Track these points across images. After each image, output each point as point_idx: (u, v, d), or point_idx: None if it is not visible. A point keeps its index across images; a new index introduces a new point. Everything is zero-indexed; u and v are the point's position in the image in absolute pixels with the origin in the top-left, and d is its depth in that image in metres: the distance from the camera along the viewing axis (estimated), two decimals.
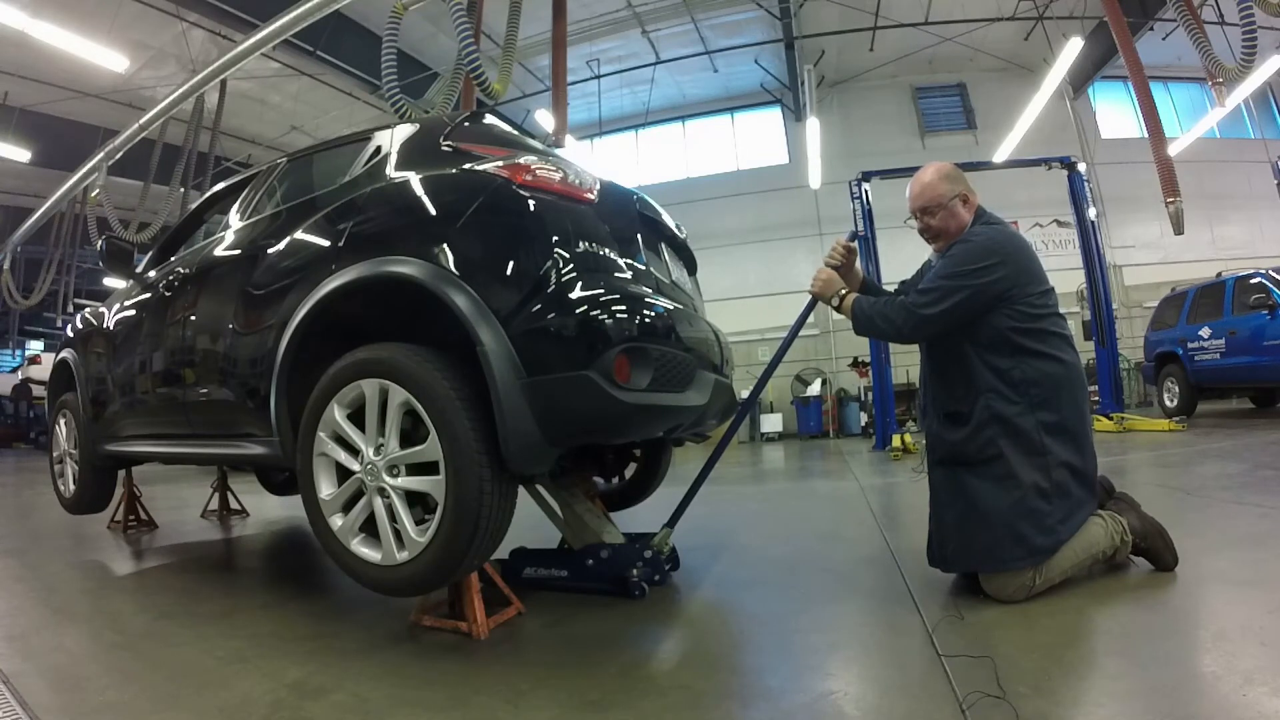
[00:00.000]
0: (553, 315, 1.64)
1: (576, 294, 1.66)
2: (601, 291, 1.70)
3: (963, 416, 1.95)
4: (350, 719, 1.35)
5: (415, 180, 1.98)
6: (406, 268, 1.78)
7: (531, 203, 1.76)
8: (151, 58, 10.26)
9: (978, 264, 1.89)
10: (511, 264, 1.71)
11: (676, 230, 2.53)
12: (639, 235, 2.08)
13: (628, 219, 2.08)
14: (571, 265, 1.70)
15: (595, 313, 1.65)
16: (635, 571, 2.13)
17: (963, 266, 1.91)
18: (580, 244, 1.76)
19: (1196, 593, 1.86)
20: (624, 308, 1.70)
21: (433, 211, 1.89)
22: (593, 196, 1.89)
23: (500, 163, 1.85)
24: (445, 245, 1.78)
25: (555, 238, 1.72)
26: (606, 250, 1.83)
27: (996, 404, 1.89)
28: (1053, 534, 1.83)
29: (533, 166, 1.82)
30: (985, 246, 1.92)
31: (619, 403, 1.62)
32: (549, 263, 1.68)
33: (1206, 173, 11.54)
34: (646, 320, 1.74)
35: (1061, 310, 2.01)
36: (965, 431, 1.93)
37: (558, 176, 1.83)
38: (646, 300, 1.81)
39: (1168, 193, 4.97)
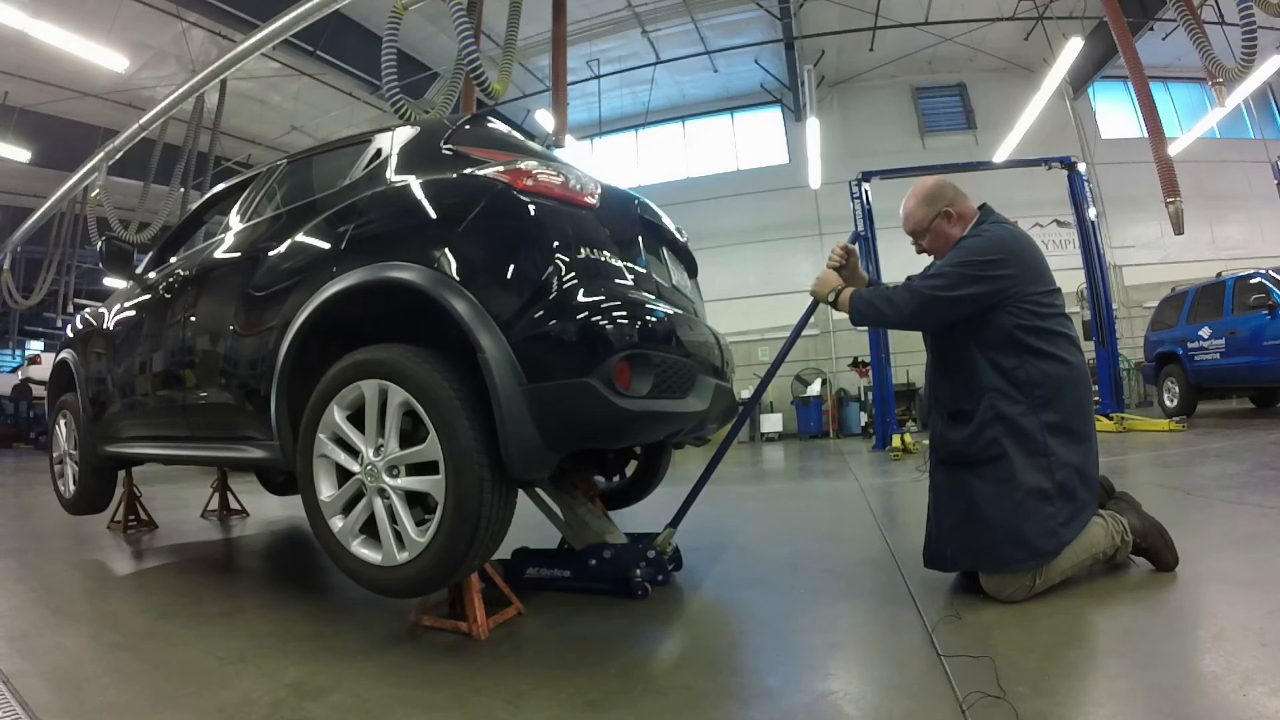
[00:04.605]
0: (553, 322, 1.64)
1: (577, 300, 1.66)
2: (602, 298, 1.69)
3: (966, 415, 1.95)
4: (350, 719, 1.35)
5: (416, 184, 1.98)
6: (406, 273, 1.78)
7: (532, 208, 1.76)
8: (151, 58, 10.26)
9: (987, 257, 1.90)
10: (512, 270, 1.71)
11: (677, 234, 2.53)
12: (640, 239, 2.08)
13: (628, 223, 2.08)
14: (572, 271, 1.69)
15: (596, 319, 1.65)
16: (638, 572, 2.13)
17: (973, 257, 1.91)
18: (581, 249, 1.75)
19: (1196, 593, 1.86)
20: (625, 314, 1.70)
21: (433, 216, 1.89)
22: (594, 201, 1.89)
23: (501, 167, 1.85)
24: (446, 250, 1.78)
25: (556, 243, 1.72)
26: (607, 255, 1.83)
27: (1000, 404, 1.88)
28: (1055, 536, 1.83)
29: (534, 171, 1.82)
30: (994, 243, 1.93)
31: (620, 410, 1.62)
32: (550, 269, 1.68)
33: (1206, 173, 11.55)
34: (647, 326, 1.74)
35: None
36: (968, 431, 1.93)
37: (559, 181, 1.83)
38: (647, 306, 1.80)
39: (1168, 193, 4.96)
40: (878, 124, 13.31)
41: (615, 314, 1.68)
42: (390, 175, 2.08)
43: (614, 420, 1.64)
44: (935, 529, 2.03)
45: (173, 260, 2.99)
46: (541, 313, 1.65)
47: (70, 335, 3.64)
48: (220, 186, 3.13)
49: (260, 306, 2.18)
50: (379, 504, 1.75)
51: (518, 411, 1.62)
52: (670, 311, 1.91)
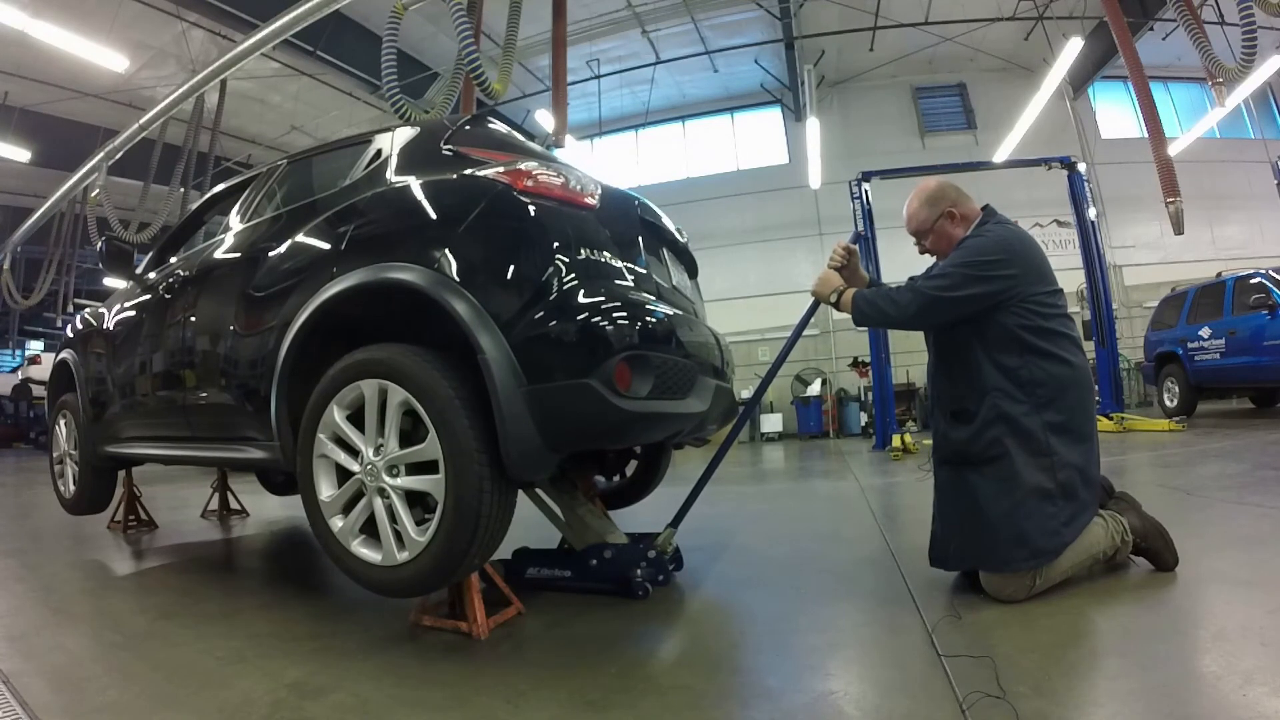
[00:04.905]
0: (554, 323, 1.64)
1: (577, 301, 1.66)
2: (602, 299, 1.70)
3: (968, 414, 1.95)
4: (350, 719, 1.35)
5: (416, 185, 1.98)
6: (407, 274, 1.78)
7: (532, 209, 1.76)
8: (151, 58, 10.25)
9: (990, 257, 1.91)
10: (512, 271, 1.71)
11: (677, 234, 2.53)
12: (640, 240, 2.08)
13: (629, 224, 2.08)
14: (572, 272, 1.70)
15: (596, 320, 1.65)
16: (639, 572, 2.13)
17: (976, 257, 1.92)
18: (581, 250, 1.75)
19: (1196, 593, 1.86)
20: (625, 315, 1.70)
21: (433, 217, 1.89)
22: (594, 202, 1.89)
23: (501, 168, 1.85)
24: (446, 251, 1.78)
25: (556, 244, 1.72)
26: (607, 256, 1.83)
27: (1003, 403, 1.89)
28: (1057, 536, 1.83)
29: (534, 172, 1.82)
30: (997, 243, 1.94)
31: (620, 411, 1.62)
32: (550, 270, 1.68)
33: (1206, 173, 11.55)
34: (647, 327, 1.74)
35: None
36: (970, 430, 1.93)
37: (559, 182, 1.83)
38: (647, 307, 1.80)
39: (1168, 193, 4.95)
40: (878, 124, 13.31)
41: (615, 315, 1.68)
42: (390, 176, 2.08)
43: (614, 421, 1.64)
44: (940, 528, 2.03)
45: (173, 260, 2.99)
46: (541, 314, 1.65)
47: (70, 335, 3.64)
48: (220, 187, 3.13)
49: (260, 307, 2.18)
50: (379, 504, 1.75)
51: (518, 412, 1.62)
52: (670, 312, 1.91)
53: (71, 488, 3.56)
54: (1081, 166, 8.22)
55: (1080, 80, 12.25)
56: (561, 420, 1.63)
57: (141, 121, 8.44)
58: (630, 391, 1.66)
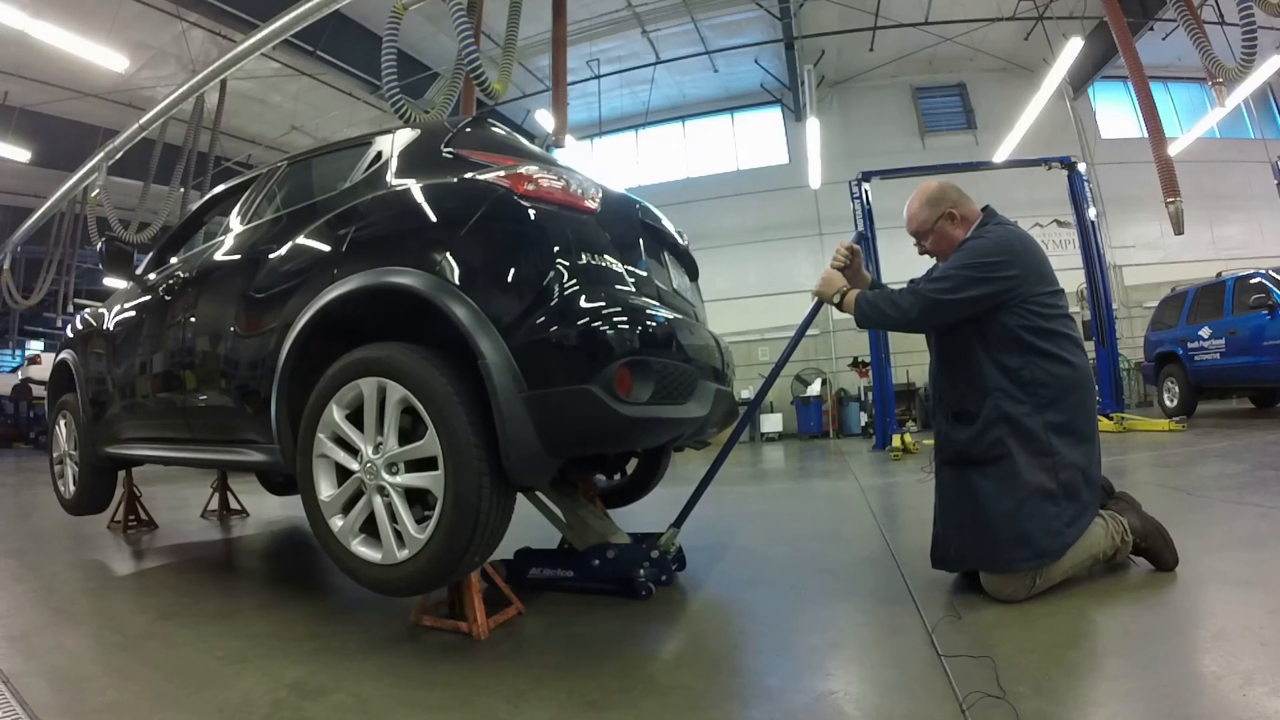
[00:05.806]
0: (554, 328, 1.64)
1: (578, 306, 1.66)
2: (603, 304, 1.69)
3: (970, 415, 1.95)
4: (350, 719, 1.36)
5: (416, 188, 1.98)
6: (408, 279, 1.78)
7: (533, 213, 1.76)
8: (151, 58, 10.25)
9: (991, 259, 1.91)
10: (513, 275, 1.71)
11: (678, 237, 2.53)
12: (641, 243, 2.08)
13: (629, 227, 2.07)
14: (573, 277, 1.69)
15: (597, 325, 1.65)
16: (641, 572, 2.13)
17: (977, 259, 1.92)
18: (582, 255, 1.75)
19: (1196, 593, 1.86)
20: (625, 320, 1.69)
21: (434, 220, 1.89)
22: (594, 206, 1.89)
23: (502, 172, 1.85)
24: (447, 255, 1.78)
25: (557, 248, 1.71)
26: (608, 260, 1.83)
27: (1004, 404, 1.89)
28: (1060, 536, 1.83)
29: (535, 176, 1.81)
30: (998, 244, 1.94)
31: (620, 416, 1.62)
32: (550, 274, 1.68)
33: (1206, 173, 11.55)
34: (648, 332, 1.74)
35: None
36: (972, 431, 1.93)
37: (559, 186, 1.83)
38: (648, 312, 1.80)
39: (1168, 193, 4.96)
40: (878, 124, 13.31)
41: (616, 320, 1.68)
42: (390, 179, 2.08)
43: (614, 426, 1.64)
44: (941, 529, 2.04)
45: (173, 261, 2.99)
46: (542, 319, 1.65)
47: (70, 335, 3.63)
48: (220, 188, 3.14)
49: (261, 309, 2.18)
50: (378, 502, 1.75)
51: (518, 417, 1.62)
52: (671, 317, 1.91)
53: (71, 488, 3.56)
54: (1081, 166, 8.23)
55: (1080, 80, 12.25)
56: (561, 425, 1.63)
57: (141, 121, 8.45)
58: (631, 397, 1.66)
